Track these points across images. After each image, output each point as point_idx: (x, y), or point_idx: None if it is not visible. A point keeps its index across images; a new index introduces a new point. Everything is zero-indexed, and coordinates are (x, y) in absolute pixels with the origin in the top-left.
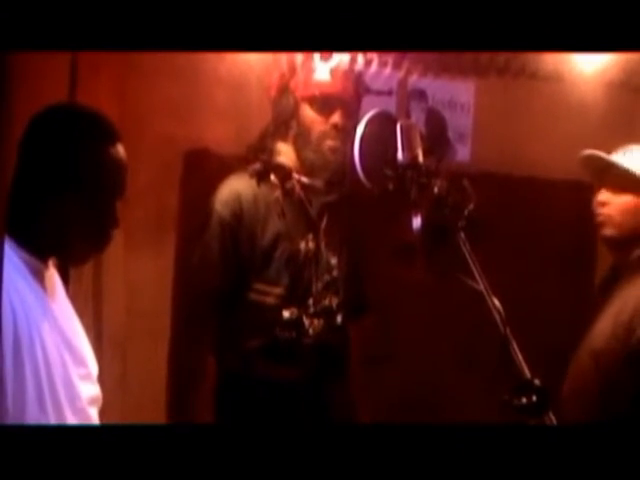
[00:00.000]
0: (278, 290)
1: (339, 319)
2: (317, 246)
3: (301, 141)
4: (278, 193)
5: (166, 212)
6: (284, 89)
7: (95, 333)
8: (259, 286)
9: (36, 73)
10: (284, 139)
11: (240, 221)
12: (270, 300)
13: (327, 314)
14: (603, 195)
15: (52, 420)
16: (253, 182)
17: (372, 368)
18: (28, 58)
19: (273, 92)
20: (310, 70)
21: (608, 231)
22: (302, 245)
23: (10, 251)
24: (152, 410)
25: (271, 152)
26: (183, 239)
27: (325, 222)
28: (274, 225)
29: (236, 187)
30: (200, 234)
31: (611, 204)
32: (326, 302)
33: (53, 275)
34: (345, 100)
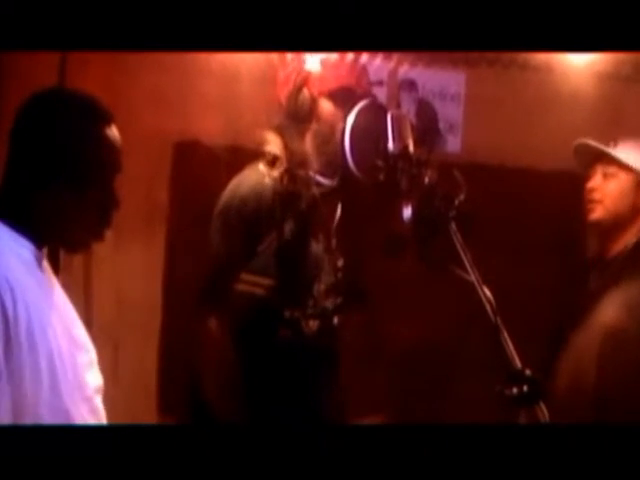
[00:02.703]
0: (267, 281)
1: (335, 320)
2: (308, 237)
3: (321, 138)
4: (269, 181)
5: (156, 204)
6: (299, 87)
7: (85, 325)
8: (247, 277)
9: (25, 67)
10: (279, 131)
11: (259, 220)
12: (259, 291)
13: (324, 315)
14: (593, 182)
15: (68, 408)
16: (270, 181)
17: (361, 360)
18: (16, 52)
19: (287, 89)
20: (326, 65)
21: (597, 215)
22: (291, 236)
23: (11, 241)
24: (143, 402)
25: (262, 142)
26: (173, 231)
27: (317, 214)
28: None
29: (257, 187)
30: (212, 229)
31: (600, 190)
32: (326, 304)
33: (48, 265)
34: (364, 93)
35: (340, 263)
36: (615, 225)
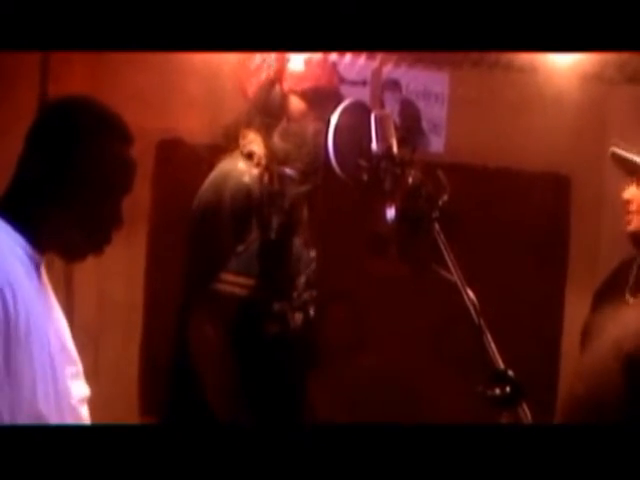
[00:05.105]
0: (248, 281)
1: (312, 312)
2: (293, 237)
3: (291, 135)
4: (249, 179)
5: (138, 202)
6: (272, 82)
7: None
8: (226, 276)
9: (7, 65)
10: (259, 130)
11: (249, 214)
12: (239, 291)
13: (306, 308)
14: (628, 193)
15: (54, 415)
16: (254, 175)
17: (345, 360)
18: None
19: (255, 84)
20: (299, 62)
21: (633, 227)
22: (277, 233)
23: (11, 241)
24: (124, 403)
25: (243, 141)
26: (155, 230)
27: (299, 213)
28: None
29: (244, 180)
30: (199, 226)
31: (636, 200)
32: (306, 296)
33: (44, 272)
34: (337, 93)
35: (313, 254)
36: None
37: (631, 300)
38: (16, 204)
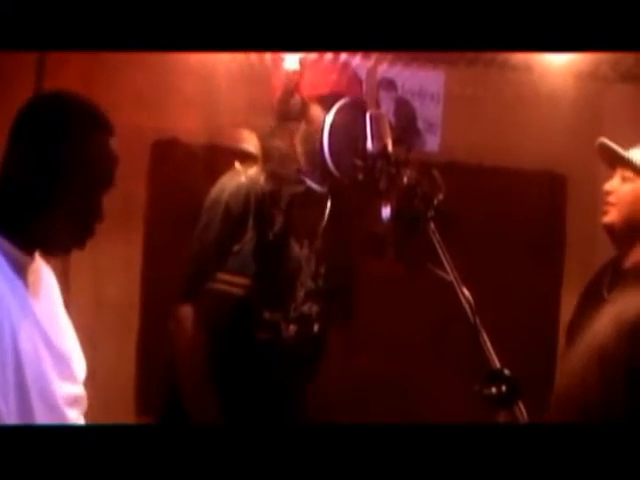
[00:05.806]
0: (244, 280)
1: (316, 328)
2: (289, 238)
3: (304, 137)
4: (244, 180)
5: (134, 202)
6: (291, 90)
7: None
8: (223, 276)
9: (3, 65)
10: (284, 138)
11: (245, 214)
12: (236, 291)
13: (304, 321)
14: (610, 184)
15: (13, 411)
16: (250, 174)
17: (341, 359)
18: None
19: (280, 92)
20: (318, 69)
21: (608, 218)
22: (270, 236)
23: None
24: (121, 403)
25: (239, 140)
26: (151, 229)
27: (299, 214)
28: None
29: (240, 179)
30: (199, 225)
31: (616, 193)
32: (305, 309)
33: (39, 270)
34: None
35: (323, 270)
36: (630, 232)
37: (606, 296)
38: (4, 206)
